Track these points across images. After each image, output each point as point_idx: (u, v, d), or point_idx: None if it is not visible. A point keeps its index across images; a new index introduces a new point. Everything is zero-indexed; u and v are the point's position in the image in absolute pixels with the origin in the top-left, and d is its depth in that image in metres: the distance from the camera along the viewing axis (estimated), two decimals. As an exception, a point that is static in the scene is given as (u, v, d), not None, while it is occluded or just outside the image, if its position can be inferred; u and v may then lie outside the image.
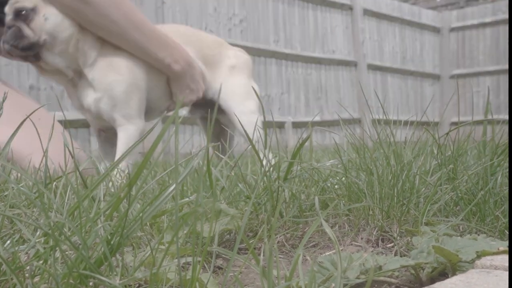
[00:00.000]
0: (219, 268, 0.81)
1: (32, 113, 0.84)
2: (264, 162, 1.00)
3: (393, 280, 0.73)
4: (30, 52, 1.75)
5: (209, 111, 2.16)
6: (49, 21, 1.75)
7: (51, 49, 1.77)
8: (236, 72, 2.15)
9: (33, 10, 1.74)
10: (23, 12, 1.73)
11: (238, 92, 2.11)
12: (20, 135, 0.86)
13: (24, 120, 0.81)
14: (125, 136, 1.82)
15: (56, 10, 1.76)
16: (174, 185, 0.62)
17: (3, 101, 0.94)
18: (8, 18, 1.76)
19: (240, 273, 0.78)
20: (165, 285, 0.62)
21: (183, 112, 2.19)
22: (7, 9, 1.76)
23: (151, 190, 1.04)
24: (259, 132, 1.90)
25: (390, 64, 7.71)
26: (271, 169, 0.99)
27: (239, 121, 1.79)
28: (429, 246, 0.74)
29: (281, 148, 1.20)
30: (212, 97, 2.11)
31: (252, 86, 2.04)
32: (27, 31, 1.73)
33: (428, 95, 8.25)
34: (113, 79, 1.82)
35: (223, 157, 1.21)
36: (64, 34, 1.77)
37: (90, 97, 1.83)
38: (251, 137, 1.02)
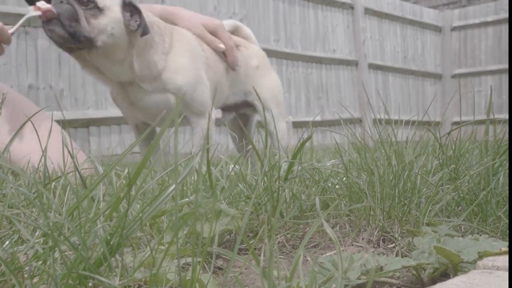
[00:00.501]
0: (219, 268, 0.81)
1: (34, 114, 0.84)
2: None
3: (394, 281, 0.73)
4: (78, 44, 1.58)
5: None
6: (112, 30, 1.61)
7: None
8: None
9: (100, 9, 1.59)
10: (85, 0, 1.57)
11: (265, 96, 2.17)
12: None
13: (26, 122, 0.80)
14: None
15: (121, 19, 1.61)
16: (174, 185, 0.62)
17: (2, 101, 0.94)
18: None
19: (240, 273, 0.78)
20: (165, 286, 0.62)
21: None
22: None
23: (150, 190, 1.04)
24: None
25: (391, 63, 7.70)
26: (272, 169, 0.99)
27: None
28: (431, 246, 0.74)
29: (282, 148, 1.19)
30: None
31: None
32: (83, 22, 1.57)
33: (430, 94, 8.24)
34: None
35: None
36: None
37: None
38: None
